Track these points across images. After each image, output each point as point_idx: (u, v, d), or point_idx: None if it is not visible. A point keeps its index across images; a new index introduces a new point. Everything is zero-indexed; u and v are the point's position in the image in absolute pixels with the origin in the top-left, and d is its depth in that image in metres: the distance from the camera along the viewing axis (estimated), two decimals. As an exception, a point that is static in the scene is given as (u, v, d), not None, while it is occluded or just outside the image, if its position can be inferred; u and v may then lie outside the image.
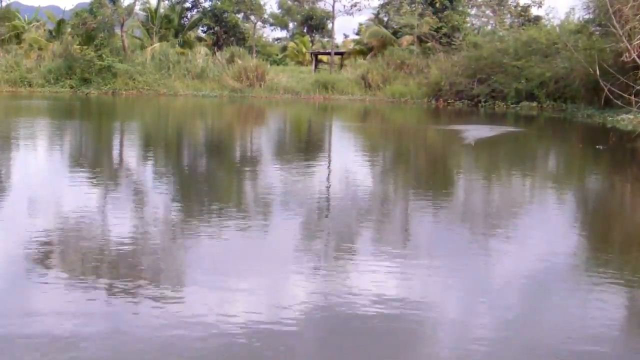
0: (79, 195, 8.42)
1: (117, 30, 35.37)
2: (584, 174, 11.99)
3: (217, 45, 40.04)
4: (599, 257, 6.19)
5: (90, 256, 5.63)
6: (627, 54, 20.67)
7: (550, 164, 14.01)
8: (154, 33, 38.94)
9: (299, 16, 57.04)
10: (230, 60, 35.37)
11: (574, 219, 8.10)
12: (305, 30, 58.26)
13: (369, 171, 11.71)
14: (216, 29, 40.33)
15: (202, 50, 38.15)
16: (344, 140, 17.47)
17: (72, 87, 33.10)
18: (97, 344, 3.85)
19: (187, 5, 41.25)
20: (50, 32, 42.96)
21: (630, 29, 21.21)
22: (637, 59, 20.79)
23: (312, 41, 57.51)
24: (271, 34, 65.52)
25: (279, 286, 5.08)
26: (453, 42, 33.26)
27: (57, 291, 4.73)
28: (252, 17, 41.99)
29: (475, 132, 17.06)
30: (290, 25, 61.35)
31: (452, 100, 30.10)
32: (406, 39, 36.61)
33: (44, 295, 4.71)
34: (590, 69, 22.93)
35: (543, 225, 7.36)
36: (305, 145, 16.38)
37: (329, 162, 12.91)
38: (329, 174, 11.25)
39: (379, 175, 11.26)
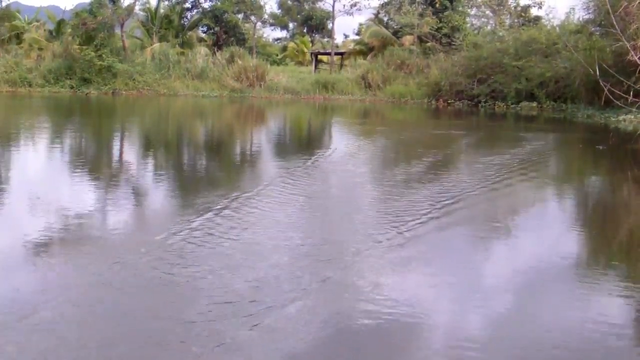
0: (78, 193, 8.43)
1: (117, 31, 35.39)
2: (591, 175, 12.00)
3: (217, 45, 40.02)
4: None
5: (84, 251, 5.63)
6: (632, 53, 20.61)
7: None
8: (154, 33, 38.94)
9: (299, 16, 56.99)
10: (230, 60, 35.38)
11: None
12: (305, 30, 58.23)
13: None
14: (216, 29, 40.32)
15: (202, 50, 38.15)
16: (340, 144, 17.47)
17: (72, 87, 33.10)
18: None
19: (187, 5, 41.25)
20: (50, 32, 42.96)
21: (637, 28, 21.16)
22: (638, 60, 20.75)
23: (312, 41, 57.50)
24: (271, 34, 65.57)
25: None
26: (453, 42, 33.28)
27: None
28: (252, 18, 41.99)
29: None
30: (290, 25, 61.31)
31: (452, 101, 30.13)
32: (407, 39, 36.64)
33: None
34: (590, 69, 22.91)
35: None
36: (301, 147, 16.38)
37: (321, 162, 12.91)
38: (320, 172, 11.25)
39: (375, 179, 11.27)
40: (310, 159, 12.18)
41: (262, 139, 18.01)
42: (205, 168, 12.25)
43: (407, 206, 7.75)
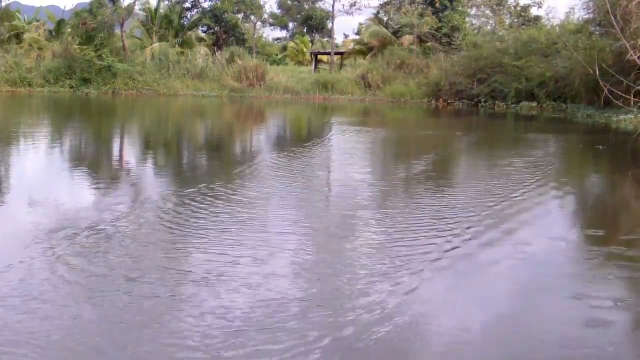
0: (77, 191, 8.44)
1: (117, 31, 35.42)
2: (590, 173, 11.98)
3: (217, 45, 40.04)
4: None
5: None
6: (632, 53, 20.57)
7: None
8: (154, 33, 38.96)
9: (299, 16, 57.05)
10: (230, 60, 35.40)
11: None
12: (305, 30, 58.30)
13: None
14: (216, 29, 40.32)
15: (202, 50, 38.18)
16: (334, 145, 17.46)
17: (72, 87, 33.12)
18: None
19: (187, 5, 41.29)
20: (50, 32, 43.05)
21: (637, 28, 21.12)
22: (638, 60, 20.73)
23: (312, 41, 57.55)
24: (271, 34, 65.63)
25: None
26: (453, 42, 33.30)
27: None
28: (252, 18, 42.01)
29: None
30: (290, 25, 61.39)
31: (452, 101, 30.13)
32: (407, 39, 36.66)
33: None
34: (590, 69, 22.90)
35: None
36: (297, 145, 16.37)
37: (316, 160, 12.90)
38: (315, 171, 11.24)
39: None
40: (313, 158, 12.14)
41: (260, 139, 17.99)
42: (203, 164, 12.25)
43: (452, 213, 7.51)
